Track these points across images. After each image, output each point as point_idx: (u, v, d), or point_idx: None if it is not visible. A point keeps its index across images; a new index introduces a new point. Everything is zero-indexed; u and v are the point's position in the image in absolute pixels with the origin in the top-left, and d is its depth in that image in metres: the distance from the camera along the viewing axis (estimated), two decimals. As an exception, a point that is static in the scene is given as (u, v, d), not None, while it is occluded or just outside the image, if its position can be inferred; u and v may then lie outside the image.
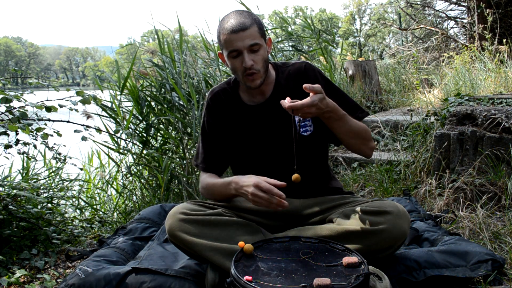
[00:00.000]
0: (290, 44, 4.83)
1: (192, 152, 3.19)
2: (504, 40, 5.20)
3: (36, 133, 2.10)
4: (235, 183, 1.40)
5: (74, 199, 2.96)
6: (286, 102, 1.27)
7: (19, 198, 2.10)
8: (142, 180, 3.19)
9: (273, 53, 4.25)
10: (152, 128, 3.22)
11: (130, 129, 3.08)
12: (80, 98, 2.11)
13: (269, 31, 4.82)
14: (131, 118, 3.22)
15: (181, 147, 3.20)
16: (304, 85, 1.26)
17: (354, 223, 1.36)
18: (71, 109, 2.11)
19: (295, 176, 1.33)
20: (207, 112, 1.63)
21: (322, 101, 1.28)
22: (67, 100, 2.10)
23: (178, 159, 3.14)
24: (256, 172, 1.58)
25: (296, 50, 4.78)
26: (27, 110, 2.04)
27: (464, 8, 8.04)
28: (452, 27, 8.92)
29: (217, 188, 1.52)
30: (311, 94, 1.28)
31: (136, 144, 3.19)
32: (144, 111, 3.23)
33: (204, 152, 1.61)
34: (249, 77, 1.44)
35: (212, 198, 1.57)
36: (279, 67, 1.59)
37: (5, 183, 2.32)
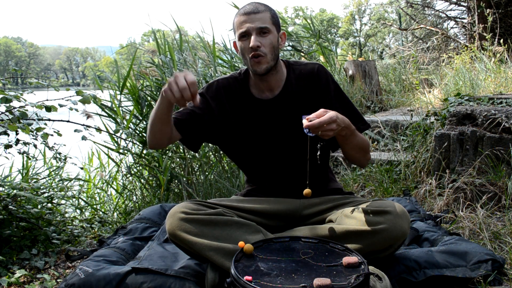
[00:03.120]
0: (290, 44, 4.83)
1: (192, 152, 3.18)
2: (504, 40, 5.20)
3: (36, 133, 2.10)
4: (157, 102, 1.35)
5: (74, 199, 2.96)
6: (305, 122, 1.25)
7: (19, 198, 2.10)
8: (142, 180, 3.19)
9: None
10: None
11: (130, 129, 3.08)
12: (80, 97, 2.11)
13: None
14: (131, 118, 3.22)
15: (181, 147, 3.20)
16: (307, 119, 1.25)
17: (354, 223, 1.36)
18: (71, 108, 2.10)
19: (306, 190, 1.34)
20: (206, 88, 1.58)
21: (338, 116, 1.28)
22: (67, 100, 2.10)
23: (178, 159, 3.14)
24: (257, 166, 1.59)
25: (296, 50, 4.79)
26: (27, 110, 2.04)
27: (464, 8, 8.04)
28: (452, 27, 8.94)
29: (153, 110, 1.40)
30: (321, 111, 1.26)
31: (136, 144, 3.18)
32: (144, 111, 3.23)
33: (181, 109, 1.52)
34: (255, 59, 1.43)
35: (150, 128, 1.42)
36: (291, 65, 1.58)
37: (5, 183, 2.31)
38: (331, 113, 1.26)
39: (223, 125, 1.56)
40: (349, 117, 1.38)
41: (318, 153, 1.34)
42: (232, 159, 1.69)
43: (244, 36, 1.44)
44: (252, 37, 1.42)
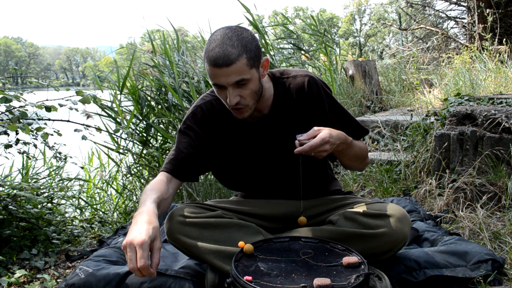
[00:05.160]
0: (291, 42, 4.82)
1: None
2: (504, 40, 5.20)
3: (36, 133, 2.10)
4: (134, 219, 1.15)
5: (74, 199, 2.96)
6: (297, 144, 1.20)
7: (19, 198, 2.10)
8: (142, 180, 3.19)
9: (272, 53, 4.25)
10: (152, 128, 3.22)
11: (130, 129, 3.08)
12: (80, 97, 2.11)
13: (268, 30, 4.80)
14: (132, 118, 3.22)
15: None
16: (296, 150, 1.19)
17: (354, 226, 1.36)
18: (71, 108, 2.10)
19: (301, 219, 1.32)
20: (192, 118, 1.44)
21: (332, 134, 1.22)
22: (67, 100, 2.10)
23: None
24: (250, 189, 1.56)
25: (297, 49, 4.78)
26: (27, 110, 2.04)
27: (464, 8, 8.05)
28: (452, 27, 8.94)
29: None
30: (314, 130, 1.21)
31: (136, 144, 3.19)
32: (144, 111, 3.23)
33: (174, 153, 1.41)
34: (236, 111, 1.31)
35: None
36: (277, 78, 1.42)
37: (5, 183, 2.31)
38: (323, 134, 1.19)
39: (214, 152, 1.47)
40: (347, 128, 1.35)
41: (313, 170, 1.32)
42: (223, 180, 1.57)
43: (220, 88, 1.26)
44: (229, 95, 1.24)
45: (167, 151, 3.18)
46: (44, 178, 2.96)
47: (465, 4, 7.65)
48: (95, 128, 2.38)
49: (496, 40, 5.40)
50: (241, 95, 1.26)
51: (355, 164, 1.47)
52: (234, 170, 1.51)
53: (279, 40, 4.95)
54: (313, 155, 1.21)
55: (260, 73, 1.30)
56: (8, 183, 2.27)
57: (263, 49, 3.30)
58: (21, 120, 1.98)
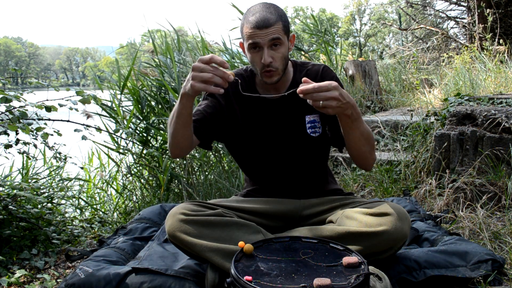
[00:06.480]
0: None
1: (191, 152, 3.18)
2: (504, 40, 5.21)
3: (36, 133, 2.10)
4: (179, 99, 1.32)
5: (74, 199, 2.96)
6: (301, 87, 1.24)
7: (19, 198, 2.10)
8: (142, 180, 3.19)
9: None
10: (153, 128, 3.22)
11: (130, 129, 3.08)
12: (80, 97, 2.11)
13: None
14: (131, 118, 3.21)
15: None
16: (304, 79, 1.25)
17: (354, 224, 1.36)
18: (71, 108, 2.10)
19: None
20: None
21: (338, 88, 1.24)
22: (67, 100, 2.10)
23: (178, 159, 3.14)
24: (259, 164, 1.59)
25: (297, 49, 4.78)
26: (27, 110, 2.04)
27: (464, 8, 8.05)
28: (452, 27, 8.94)
29: (172, 113, 1.39)
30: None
31: (136, 144, 3.18)
32: (144, 111, 3.23)
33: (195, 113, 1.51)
34: (266, 73, 1.43)
35: (170, 131, 1.40)
36: (298, 65, 1.58)
37: (5, 183, 2.31)
38: (332, 82, 1.24)
39: (230, 122, 1.56)
40: None
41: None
42: (235, 157, 1.68)
43: (255, 47, 1.41)
44: (265, 53, 1.39)
45: (167, 151, 3.18)
46: (44, 178, 2.96)
47: (465, 4, 7.65)
48: (95, 128, 2.38)
49: (496, 40, 5.40)
50: (273, 57, 1.40)
51: (364, 149, 1.40)
52: (245, 143, 1.57)
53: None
54: (321, 106, 1.22)
55: (288, 46, 1.46)
56: (8, 183, 2.27)
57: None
58: (21, 120, 1.98)
